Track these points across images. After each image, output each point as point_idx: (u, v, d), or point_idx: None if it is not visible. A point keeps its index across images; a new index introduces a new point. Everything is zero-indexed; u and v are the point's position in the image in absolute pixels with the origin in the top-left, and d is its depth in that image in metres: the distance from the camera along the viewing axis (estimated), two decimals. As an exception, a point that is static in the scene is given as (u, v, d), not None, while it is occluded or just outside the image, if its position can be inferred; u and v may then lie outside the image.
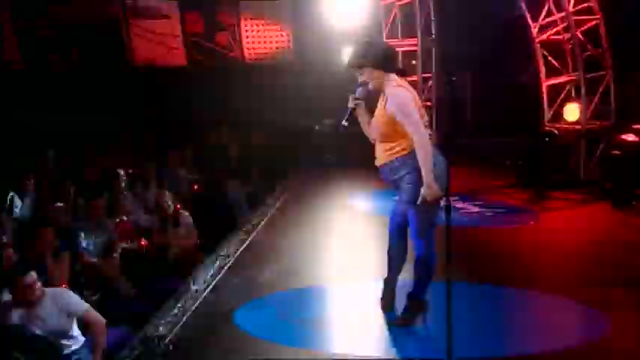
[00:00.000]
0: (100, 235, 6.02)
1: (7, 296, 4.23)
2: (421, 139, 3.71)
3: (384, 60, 3.86)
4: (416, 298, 4.04)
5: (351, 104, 3.91)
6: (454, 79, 3.48)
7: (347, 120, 3.91)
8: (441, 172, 3.71)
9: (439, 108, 9.16)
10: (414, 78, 8.57)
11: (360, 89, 3.92)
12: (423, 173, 3.70)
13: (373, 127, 3.93)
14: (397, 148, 3.82)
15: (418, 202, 3.75)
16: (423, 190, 3.72)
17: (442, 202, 3.67)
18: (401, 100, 3.76)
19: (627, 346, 3.84)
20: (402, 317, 4.09)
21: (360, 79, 3.88)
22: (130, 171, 8.35)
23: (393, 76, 3.87)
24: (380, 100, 3.94)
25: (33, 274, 4.11)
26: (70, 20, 11.45)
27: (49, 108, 10.64)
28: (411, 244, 4.04)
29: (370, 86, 3.88)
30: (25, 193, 6.99)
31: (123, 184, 7.35)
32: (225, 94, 10.36)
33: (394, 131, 3.81)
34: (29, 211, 6.93)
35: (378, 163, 3.99)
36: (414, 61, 8.86)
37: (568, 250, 5.75)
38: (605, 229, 6.37)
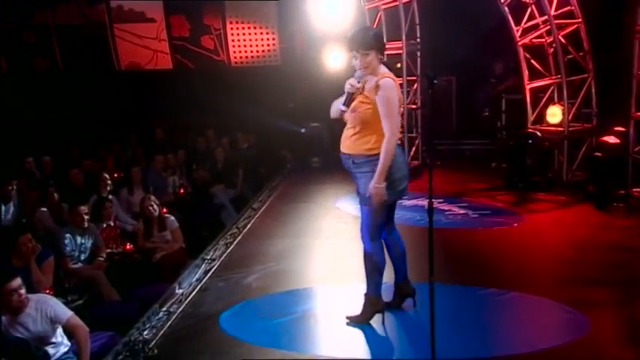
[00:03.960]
0: (85, 240, 5.98)
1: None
2: (390, 138, 3.76)
3: (383, 46, 3.95)
4: (367, 294, 4.12)
5: (350, 89, 3.88)
6: (436, 82, 3.51)
7: (345, 104, 3.90)
8: (401, 175, 3.83)
9: (423, 111, 9.20)
10: (399, 81, 8.60)
11: (358, 74, 3.91)
12: (377, 172, 3.76)
13: (354, 114, 3.88)
14: (368, 145, 3.84)
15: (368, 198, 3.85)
16: (370, 188, 3.79)
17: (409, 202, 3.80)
18: (389, 94, 3.78)
19: (608, 346, 3.88)
20: (358, 315, 4.16)
21: (360, 62, 3.84)
22: (115, 175, 8.30)
23: (383, 66, 3.91)
24: (362, 87, 3.90)
25: (18, 280, 4.09)
26: (55, 24, 11.36)
27: (33, 112, 10.53)
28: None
29: (365, 72, 3.86)
30: (7, 199, 6.90)
31: (108, 188, 7.30)
32: (211, 98, 10.33)
33: (374, 121, 3.81)
34: (12, 217, 6.86)
35: (342, 149, 3.98)
36: (399, 65, 8.89)
37: (551, 252, 5.78)
38: (588, 230, 6.40)
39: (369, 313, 4.14)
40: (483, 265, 5.39)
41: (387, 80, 3.80)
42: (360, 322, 4.15)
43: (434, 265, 3.41)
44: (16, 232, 5.43)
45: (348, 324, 4.19)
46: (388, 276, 4.27)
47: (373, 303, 4.13)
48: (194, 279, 5.24)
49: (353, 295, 4.40)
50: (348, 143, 3.93)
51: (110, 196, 7.15)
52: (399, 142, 3.97)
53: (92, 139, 10.17)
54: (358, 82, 3.88)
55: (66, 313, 4.21)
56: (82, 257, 5.95)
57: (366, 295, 4.15)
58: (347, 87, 3.88)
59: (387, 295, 4.29)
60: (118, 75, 11.63)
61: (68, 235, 5.88)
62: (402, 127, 4.07)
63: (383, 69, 3.89)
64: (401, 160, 3.89)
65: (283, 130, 10.54)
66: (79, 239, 5.93)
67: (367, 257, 4.05)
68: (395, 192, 3.89)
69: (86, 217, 5.98)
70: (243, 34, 11.51)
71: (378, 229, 4.00)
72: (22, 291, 4.10)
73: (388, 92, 3.77)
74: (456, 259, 5.42)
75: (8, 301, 4.04)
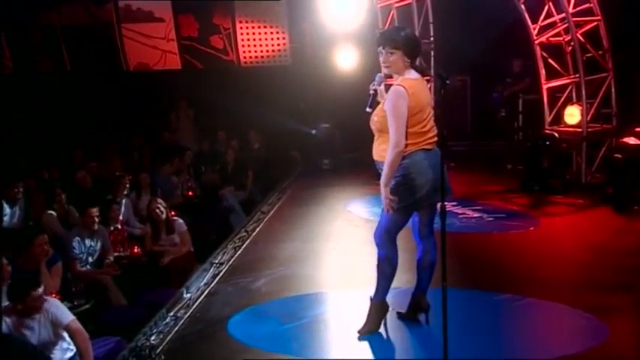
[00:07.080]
0: (93, 243, 5.95)
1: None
2: (394, 146, 3.70)
3: (413, 50, 3.83)
4: (375, 300, 4.01)
5: (372, 90, 3.90)
6: (448, 82, 3.44)
7: (370, 106, 3.89)
8: (424, 180, 3.72)
9: (437, 111, 9.06)
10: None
11: (378, 77, 3.92)
12: (382, 176, 3.74)
13: (371, 120, 3.90)
14: (386, 153, 3.79)
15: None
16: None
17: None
18: (394, 101, 3.74)
19: (628, 353, 3.78)
20: (365, 324, 4.03)
21: (385, 59, 3.80)
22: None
23: (413, 71, 3.83)
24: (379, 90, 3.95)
25: (42, 286, 4.14)
26: (61, 24, 11.34)
27: (38, 113, 10.52)
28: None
29: (387, 70, 3.84)
30: (14, 201, 6.85)
31: (125, 192, 7.24)
32: (220, 99, 10.26)
33: (387, 129, 3.77)
34: (18, 220, 6.82)
35: (373, 155, 3.98)
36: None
37: (568, 256, 5.67)
38: (606, 234, 6.27)
39: (377, 319, 4.03)
40: (498, 270, 5.29)
41: (395, 88, 3.76)
42: (369, 331, 4.02)
43: (447, 270, 3.32)
44: (32, 233, 5.43)
45: (360, 338, 4.03)
46: (409, 281, 4.16)
47: (379, 308, 4.02)
48: (202, 283, 5.19)
49: (364, 301, 4.31)
50: (373, 149, 3.95)
51: (123, 200, 7.11)
52: (429, 146, 3.81)
53: (99, 140, 10.12)
54: (378, 84, 3.90)
55: (67, 317, 4.19)
56: (90, 260, 5.93)
57: (372, 300, 4.03)
58: (371, 90, 3.92)
59: (403, 302, 4.18)
60: (126, 76, 11.58)
61: (77, 238, 5.88)
62: (432, 129, 3.94)
63: (409, 74, 3.81)
64: (425, 164, 3.74)
65: (293, 131, 10.46)
66: (87, 242, 5.93)
67: (383, 261, 3.94)
68: (414, 198, 3.75)
69: (97, 219, 5.98)
70: (253, 33, 11.42)
71: (397, 233, 3.92)
72: (43, 296, 4.13)
73: (393, 101, 3.73)
74: (470, 264, 5.31)
75: (32, 307, 4.06)
